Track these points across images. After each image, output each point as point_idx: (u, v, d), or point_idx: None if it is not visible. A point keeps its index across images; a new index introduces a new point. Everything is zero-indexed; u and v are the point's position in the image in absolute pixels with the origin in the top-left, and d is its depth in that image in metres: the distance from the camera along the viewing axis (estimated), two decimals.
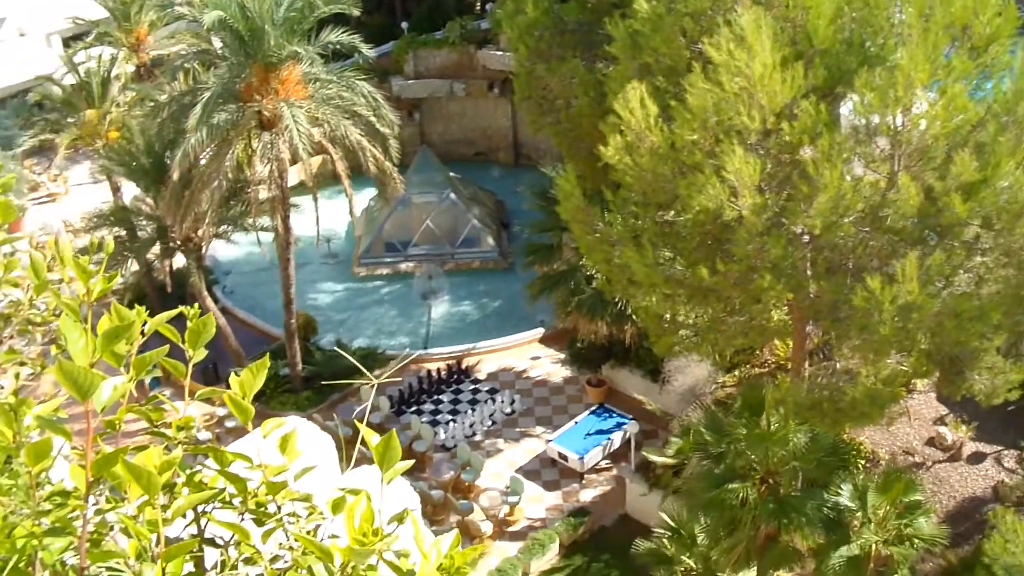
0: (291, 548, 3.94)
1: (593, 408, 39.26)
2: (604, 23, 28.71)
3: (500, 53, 55.48)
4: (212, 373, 40.74)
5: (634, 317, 34.49)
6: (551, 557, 34.46)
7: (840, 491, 25.16)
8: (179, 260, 42.40)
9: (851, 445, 31.26)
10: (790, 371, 29.88)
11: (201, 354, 4.17)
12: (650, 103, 23.76)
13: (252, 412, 3.91)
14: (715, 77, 22.76)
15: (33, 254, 5.22)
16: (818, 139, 22.64)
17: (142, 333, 3.93)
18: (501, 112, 59.61)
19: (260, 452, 3.98)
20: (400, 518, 3.71)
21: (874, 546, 24.80)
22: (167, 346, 4.14)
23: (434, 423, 40.31)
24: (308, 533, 3.97)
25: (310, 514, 4.05)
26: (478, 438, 39.67)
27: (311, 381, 41.29)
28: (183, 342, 4.17)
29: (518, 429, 40.16)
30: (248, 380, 3.98)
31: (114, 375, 3.74)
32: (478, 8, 66.90)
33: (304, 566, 3.76)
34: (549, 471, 37.73)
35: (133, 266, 42.28)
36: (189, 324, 4.14)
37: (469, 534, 34.59)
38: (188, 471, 4.06)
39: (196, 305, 4.18)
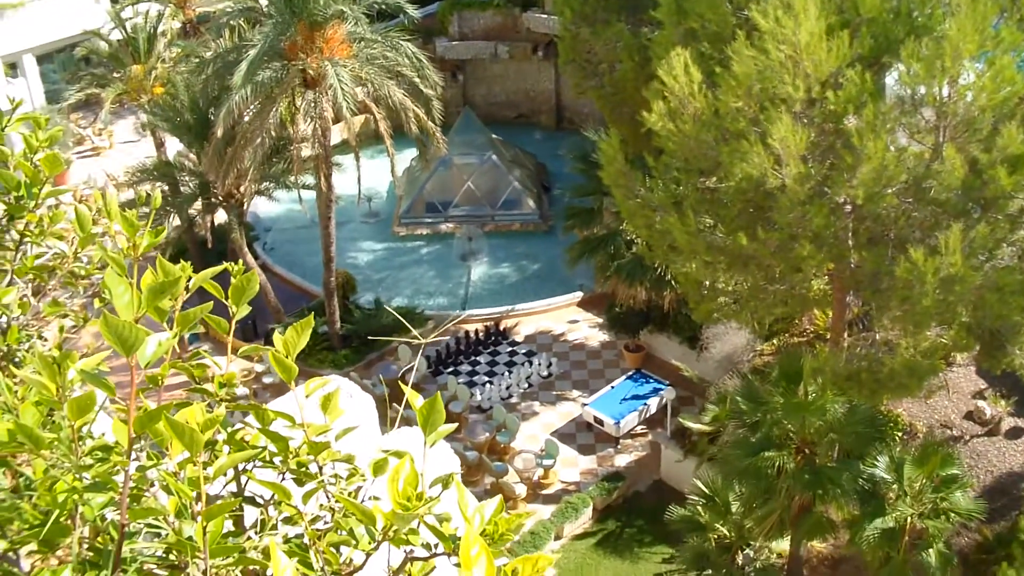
0: (331, 509, 3.91)
1: (630, 373, 39.22)
2: None
3: (545, 16, 55.27)
4: (251, 329, 41.03)
5: (673, 283, 34.40)
6: (584, 521, 34.54)
7: (876, 463, 25.04)
8: (220, 216, 42.52)
9: (888, 417, 31.09)
10: (829, 341, 29.71)
11: (244, 311, 4.14)
12: (694, 69, 23.61)
13: (296, 371, 3.87)
14: (761, 44, 22.57)
15: (79, 207, 5.20)
16: (863, 109, 22.43)
17: (186, 289, 3.90)
18: (544, 75, 59.37)
19: (302, 411, 3.95)
20: (445, 482, 3.67)
21: (909, 519, 24.71)
22: (211, 302, 4.11)
23: (471, 384, 40.38)
24: (349, 495, 3.93)
25: (351, 475, 4.01)
26: (514, 400, 39.72)
27: (349, 339, 41.43)
28: (226, 298, 4.13)
29: (554, 392, 40.19)
30: (292, 339, 3.94)
31: (157, 330, 3.71)
32: None
33: (345, 528, 3.73)
34: (584, 435, 37.75)
35: (174, 221, 42.43)
36: (233, 281, 4.10)
37: (503, 496, 34.64)
38: (229, 429, 4.03)
39: (240, 262, 4.14)
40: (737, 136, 23.32)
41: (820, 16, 22.35)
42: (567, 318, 44.30)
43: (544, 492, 35.52)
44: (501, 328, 43.61)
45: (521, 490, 34.83)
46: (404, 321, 5.81)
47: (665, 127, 24.53)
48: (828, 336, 30.74)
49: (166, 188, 41.89)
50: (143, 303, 3.58)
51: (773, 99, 22.72)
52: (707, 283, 27.45)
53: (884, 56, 23.89)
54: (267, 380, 39.48)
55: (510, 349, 42.64)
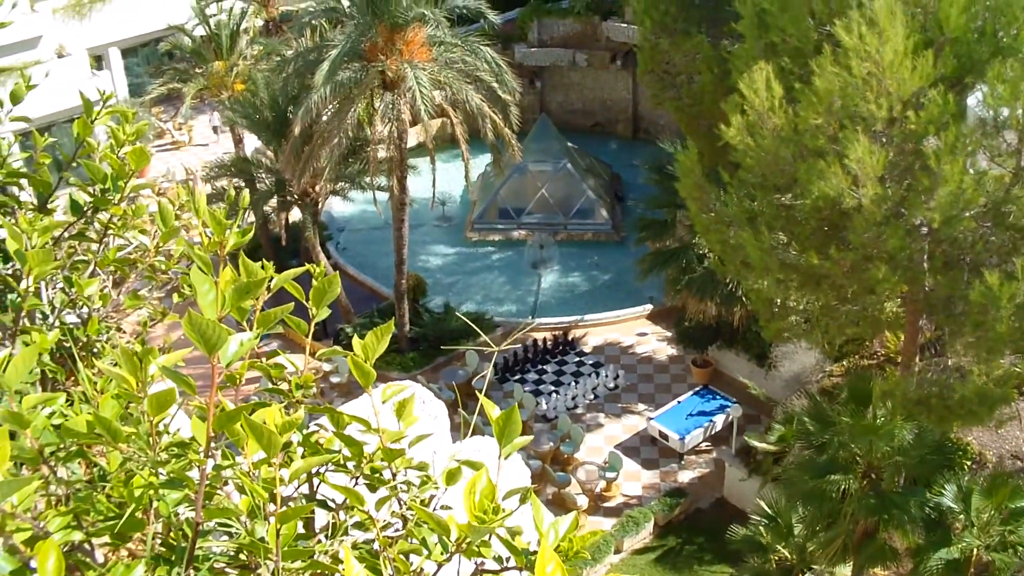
0: (403, 517, 3.90)
1: (697, 389, 39.02)
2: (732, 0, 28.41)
3: (624, 25, 55.19)
4: (320, 328, 41.19)
5: (744, 299, 34.17)
6: (645, 536, 34.38)
7: (943, 491, 24.66)
8: (295, 214, 42.82)
9: (958, 445, 30.67)
10: (900, 364, 29.39)
11: (324, 313, 4.14)
12: (776, 84, 23.44)
13: (374, 376, 3.87)
14: (844, 61, 22.36)
15: (162, 202, 5.24)
16: (944, 130, 22.16)
17: (267, 289, 3.91)
18: (622, 84, 59.30)
19: (378, 416, 3.94)
20: (523, 497, 3.65)
21: (975, 551, 24.30)
22: (291, 303, 4.12)
23: (537, 393, 40.36)
24: (422, 503, 3.93)
25: (423, 483, 4.01)
26: (580, 411, 39.65)
27: (417, 342, 41.54)
28: (306, 300, 4.14)
29: (620, 405, 40.07)
30: (372, 344, 3.94)
31: (236, 328, 3.72)
32: None
33: (418, 537, 3.72)
34: (648, 449, 37.61)
35: (249, 217, 42.79)
36: (315, 283, 4.11)
37: (565, 506, 34.60)
38: (304, 431, 4.04)
39: (322, 264, 4.14)
40: (815, 154, 23.14)
41: (905, 34, 22.13)
42: (636, 330, 44.17)
43: (606, 505, 35.41)
44: (569, 338, 43.55)
45: (583, 501, 34.74)
46: (476, 328, 5.80)
47: (743, 141, 24.38)
48: (899, 359, 30.41)
49: (243, 184, 42.23)
50: (227, 302, 3.59)
51: (853, 117, 22.50)
52: (778, 301, 27.23)
53: (967, 77, 23.59)
54: (335, 380, 39.71)
55: (577, 359, 42.57)
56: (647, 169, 41.72)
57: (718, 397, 38.27)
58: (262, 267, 3.94)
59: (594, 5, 57.54)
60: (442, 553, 3.65)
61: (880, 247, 23.12)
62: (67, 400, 4.09)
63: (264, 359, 4.27)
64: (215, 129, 58.41)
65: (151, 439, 3.70)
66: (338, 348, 4.42)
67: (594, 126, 60.65)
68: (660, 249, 39.77)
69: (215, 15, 47.67)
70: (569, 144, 53.35)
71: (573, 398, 39.94)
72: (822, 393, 31.97)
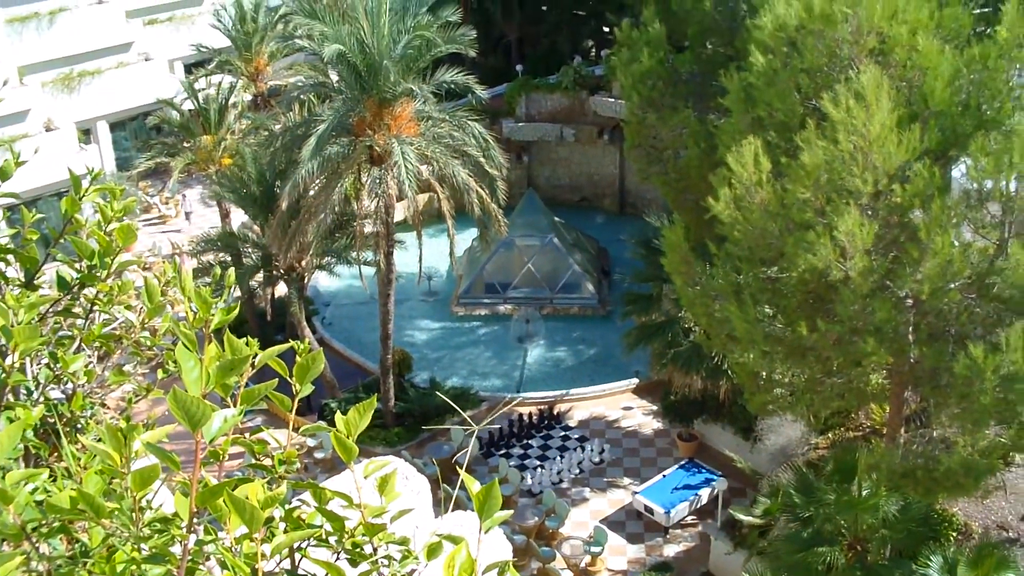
0: None
1: (682, 462, 38.91)
2: (718, 75, 28.65)
3: (612, 100, 55.56)
4: (305, 404, 41.06)
5: (730, 373, 34.15)
6: None
7: (929, 563, 24.61)
8: (281, 289, 42.84)
9: (943, 516, 30.58)
10: (885, 436, 29.39)
11: (308, 389, 4.17)
12: (763, 158, 23.63)
13: (356, 452, 3.90)
14: (831, 134, 22.57)
15: (148, 278, 5.28)
16: (929, 203, 22.34)
17: (251, 365, 3.94)
18: (609, 159, 59.66)
19: (360, 492, 3.96)
20: (502, 570, 3.67)
21: None
22: (275, 380, 4.14)
23: (522, 467, 40.22)
24: None
25: (404, 558, 4.02)
26: (565, 485, 39.49)
27: (403, 417, 41.41)
28: (290, 376, 4.17)
29: (605, 479, 39.92)
30: (354, 419, 3.97)
31: (220, 404, 3.75)
32: (593, 55, 67.22)
33: None
34: (634, 523, 37.43)
35: (235, 292, 42.77)
36: (298, 359, 4.14)
37: None
38: (286, 506, 4.05)
39: (307, 339, 4.19)
40: (803, 227, 23.28)
41: (891, 107, 22.35)
42: (621, 404, 44.13)
43: None
44: (555, 412, 43.47)
45: None
46: (458, 409, 5.84)
47: (730, 215, 24.52)
48: (884, 431, 30.41)
49: (229, 259, 42.25)
50: (211, 379, 3.62)
51: (840, 190, 22.67)
52: (764, 374, 27.26)
53: (951, 149, 23.82)
54: (319, 455, 39.54)
55: (563, 433, 42.47)
56: (634, 243, 41.90)
57: (704, 471, 38.14)
58: (246, 343, 3.97)
59: (582, 81, 58.00)
60: None
61: (867, 320, 23.21)
62: (50, 476, 4.10)
63: (248, 435, 4.29)
64: (187, 215, 57.91)
65: (134, 515, 3.71)
66: (322, 424, 4.44)
67: (581, 200, 60.95)
68: (646, 323, 39.83)
69: (203, 89, 47.99)
70: (556, 219, 53.58)
71: (558, 472, 39.79)
72: (808, 466, 31.93)
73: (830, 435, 35.38)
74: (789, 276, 24.55)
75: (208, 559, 3.89)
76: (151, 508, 3.93)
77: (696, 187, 31.16)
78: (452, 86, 37.81)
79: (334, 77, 38.78)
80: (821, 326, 23.78)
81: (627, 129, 35.41)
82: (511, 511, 3.87)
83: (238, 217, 48.06)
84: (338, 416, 3.96)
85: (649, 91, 33.85)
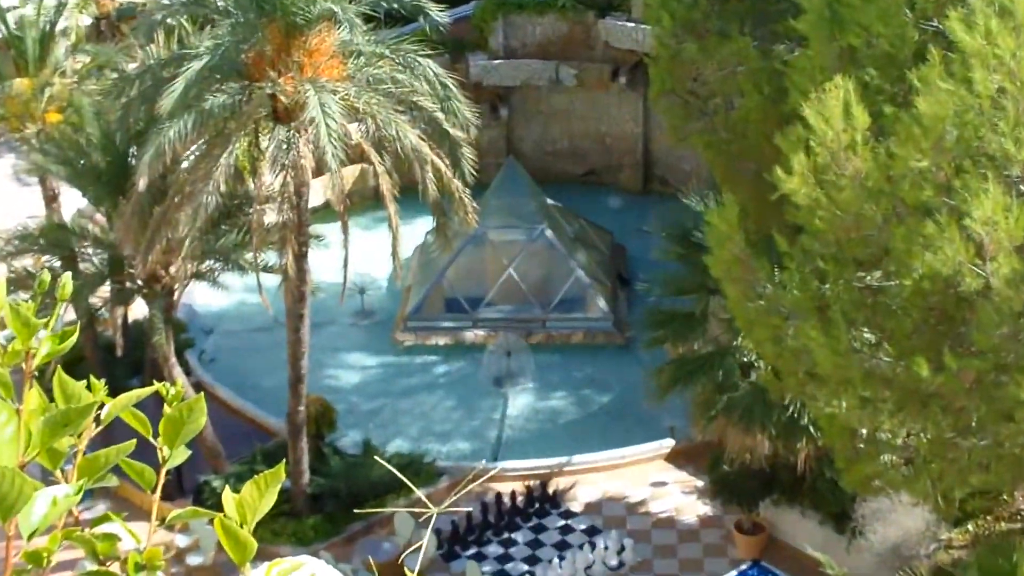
0: None
1: (744, 567, 38.93)
2: None
3: (631, 24, 55.62)
4: (174, 482, 40.77)
5: (813, 430, 34.16)
6: None
7: None
8: (139, 309, 42.65)
9: None
10: None
11: (181, 456, 4.07)
12: (858, 109, 23.53)
13: (254, 548, 3.78)
14: (962, 72, 22.48)
15: None
16: None
17: (96, 420, 3.84)
18: (628, 112, 59.74)
19: None
20: None
21: None
22: (132, 442, 4.05)
23: (502, 574, 40.13)
24: None
25: None
26: None
27: (321, 501, 41.25)
28: (154, 436, 4.08)
29: None
30: (251, 500, 3.85)
31: (45, 480, 3.64)
32: None
33: None
34: None
35: (68, 313, 42.50)
36: (167, 411, 4.04)
37: None
38: None
39: (179, 382, 4.07)
40: (919, 212, 23.21)
41: None
42: (650, 478, 44.06)
43: None
44: (550, 491, 43.39)
45: None
46: (404, 480, 5.77)
47: (809, 194, 24.44)
48: None
49: (57, 264, 41.99)
50: (34, 441, 3.51)
51: (976, 156, 22.59)
52: (865, 432, 27.24)
53: None
54: (194, 561, 39.37)
55: (562, 523, 42.41)
56: (664, 237, 41.83)
57: None
58: (88, 388, 3.86)
59: None
60: None
61: (1020, 351, 23.13)
62: None
63: (88, 527, 4.17)
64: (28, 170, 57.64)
65: None
66: (200, 509, 4.32)
67: (587, 174, 61.09)
68: (685, 356, 39.81)
69: (14, 7, 47.62)
70: (549, 201, 53.61)
71: None
72: (937, 573, 31.92)
73: (970, 526, 35.29)
74: (899, 286, 24.48)
75: None
76: None
77: (757, 152, 31.16)
78: (395, 6, 37.67)
79: None
80: (950, 361, 23.68)
81: (653, 68, 35.37)
82: None
83: (72, 201, 47.80)
84: (227, 495, 3.86)
85: (686, 10, 33.82)
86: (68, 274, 4.96)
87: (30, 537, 3.38)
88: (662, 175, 59.64)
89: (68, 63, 47.19)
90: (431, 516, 8.19)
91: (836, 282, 25.58)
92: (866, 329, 25.68)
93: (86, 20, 51.10)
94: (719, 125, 33.91)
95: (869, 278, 25.49)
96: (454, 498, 4.94)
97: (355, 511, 39.78)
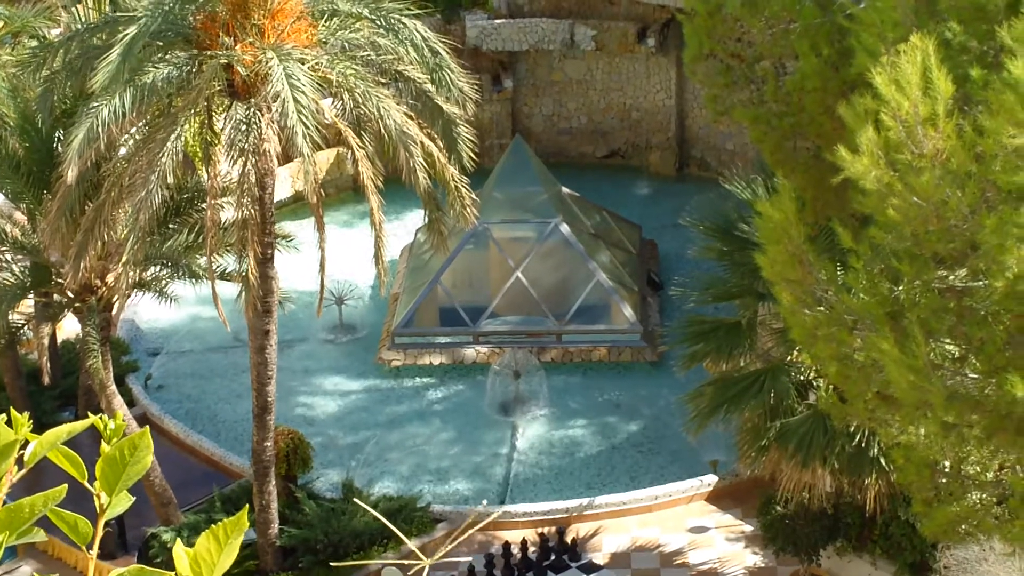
0: None
1: None
2: None
3: None
4: (115, 534, 40.76)
5: (884, 463, 34.16)
6: None
7: None
8: (70, 326, 42.63)
9: None
10: None
11: (122, 504, 4.02)
12: (940, 75, 23.51)
13: None
14: None
15: None
16: None
17: (18, 462, 3.79)
18: (657, 81, 59.94)
19: None
20: None
21: None
22: (63, 486, 4.01)
23: None
24: None
25: None
26: None
27: (293, 554, 41.28)
28: (89, 480, 4.03)
29: None
30: (208, 554, 3.80)
31: None
32: None
33: None
34: None
35: None
36: (104, 449, 3.99)
37: None
38: None
39: (119, 414, 4.02)
40: (1013, 198, 23.19)
41: None
42: (688, 523, 44.10)
43: None
44: (568, 539, 43.42)
45: None
46: (393, 529, 5.75)
47: (879, 178, 24.43)
48: None
49: None
50: None
51: None
52: (948, 465, 27.24)
53: None
54: None
55: None
56: (703, 231, 41.83)
57: None
58: (8, 423, 3.82)
59: None
60: None
61: None
62: None
63: None
64: None
65: None
66: (147, 568, 4.27)
67: (610, 156, 61.18)
68: (729, 375, 39.80)
69: None
70: (565, 190, 53.66)
71: None
72: None
73: None
74: (989, 287, 24.46)
75: None
76: None
77: (815, 128, 31.17)
78: None
79: None
80: None
81: (689, 26, 35.39)
82: None
83: None
84: (179, 550, 3.81)
85: None
86: None
87: None
88: (700, 157, 59.83)
89: None
90: (423, 570, 8.18)
91: (912, 284, 25.56)
92: (949, 340, 25.67)
93: None
94: (769, 95, 33.89)
95: (952, 278, 25.46)
96: (450, 547, 4.88)
97: (332, 565, 39.82)
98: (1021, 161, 23.18)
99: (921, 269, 25.43)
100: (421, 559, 4.45)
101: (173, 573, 3.88)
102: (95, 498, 3.98)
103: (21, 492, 3.88)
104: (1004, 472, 26.95)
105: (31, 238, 41.05)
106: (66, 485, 4.05)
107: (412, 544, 4.73)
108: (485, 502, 44.32)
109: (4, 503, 3.81)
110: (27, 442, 3.90)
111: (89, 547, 4.05)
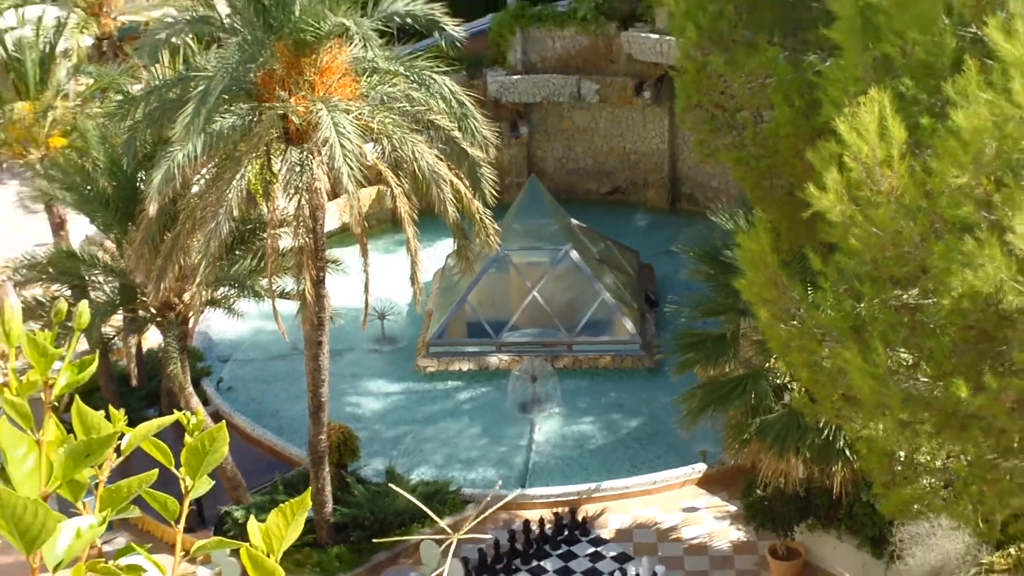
0: None
1: None
2: None
3: (655, 37, 55.55)
4: (195, 514, 40.77)
5: (849, 453, 34.08)
6: None
7: None
8: (153, 337, 42.61)
9: None
10: None
11: (204, 487, 4.08)
12: (894, 123, 23.46)
13: None
14: (1002, 82, 22.40)
15: None
16: None
17: (116, 451, 3.85)
18: (653, 128, 59.72)
19: None
20: None
21: None
22: (154, 471, 4.06)
23: None
24: None
25: None
26: None
27: (345, 530, 41.20)
28: (175, 466, 4.09)
29: None
30: (277, 528, 3.84)
31: (68, 512, 3.65)
32: None
33: None
34: None
35: (80, 343, 42.40)
36: (188, 440, 4.05)
37: None
38: None
39: (199, 412, 4.09)
40: (957, 228, 23.13)
41: None
42: (681, 504, 43.96)
43: None
44: (579, 517, 43.32)
45: None
46: (427, 511, 5.80)
47: (844, 211, 24.34)
48: None
49: (68, 293, 41.96)
50: (56, 473, 3.52)
51: (1017, 169, 22.51)
52: (903, 455, 27.17)
53: None
54: None
55: (592, 551, 42.31)
56: (693, 257, 41.74)
57: None
58: (107, 418, 3.87)
59: (607, 8, 57.86)
60: None
61: None
62: None
63: (112, 560, 4.19)
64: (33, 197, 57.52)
65: None
66: (226, 540, 4.33)
67: (612, 193, 61.07)
68: (716, 379, 39.71)
69: (12, 29, 47.42)
70: (574, 221, 53.55)
71: None
72: None
73: (1012, 550, 35.14)
74: (937, 304, 24.39)
75: None
76: None
77: (788, 169, 31.08)
78: (409, 21, 37.62)
79: (224, 10, 38.50)
80: (991, 381, 23.60)
81: (679, 81, 35.30)
82: None
83: (80, 228, 47.79)
84: (253, 525, 3.86)
85: (712, 19, 33.71)
86: (85, 302, 4.98)
87: (55, 569, 3.39)
88: (690, 193, 59.63)
89: (70, 85, 47.08)
90: (451, 543, 8.24)
91: (872, 302, 25.51)
92: (903, 350, 25.61)
93: (87, 40, 51.00)
94: (748, 140, 33.82)
95: (906, 297, 25.42)
96: (473, 523, 4.97)
97: (376, 540, 39.80)
98: (963, 197, 23.15)
99: (880, 289, 25.40)
100: (449, 533, 4.54)
101: (247, 543, 3.92)
102: (180, 481, 4.04)
103: (116, 476, 3.96)
104: (950, 461, 26.89)
105: (119, 263, 41.05)
106: (157, 470, 4.12)
107: (443, 522, 4.79)
108: (499, 484, 44.24)
109: (108, 482, 3.87)
110: (123, 434, 3.95)
111: (176, 522, 4.11)
